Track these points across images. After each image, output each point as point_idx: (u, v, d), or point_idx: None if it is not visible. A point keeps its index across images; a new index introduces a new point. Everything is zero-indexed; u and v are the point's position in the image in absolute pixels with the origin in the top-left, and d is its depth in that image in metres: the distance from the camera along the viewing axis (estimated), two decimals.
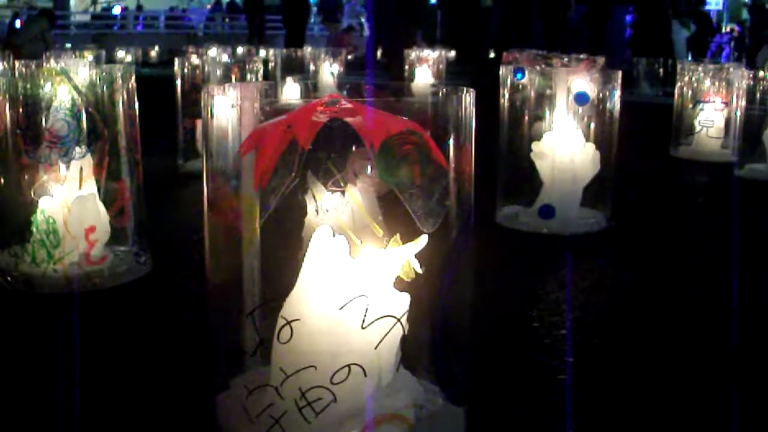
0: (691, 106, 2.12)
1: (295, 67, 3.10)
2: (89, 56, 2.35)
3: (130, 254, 1.03)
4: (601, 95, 1.28)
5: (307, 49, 3.41)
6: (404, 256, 0.55)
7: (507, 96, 1.30)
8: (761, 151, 1.80)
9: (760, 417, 0.69)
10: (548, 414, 0.68)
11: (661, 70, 3.95)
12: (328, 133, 0.55)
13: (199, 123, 1.63)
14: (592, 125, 1.28)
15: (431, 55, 3.91)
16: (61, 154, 0.95)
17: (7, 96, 0.94)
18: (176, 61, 1.73)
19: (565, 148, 1.25)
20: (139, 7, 13.59)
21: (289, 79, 2.77)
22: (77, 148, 0.96)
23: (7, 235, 0.99)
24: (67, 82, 0.95)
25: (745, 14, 11.27)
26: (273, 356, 0.55)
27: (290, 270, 0.55)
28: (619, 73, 1.31)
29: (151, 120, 1.24)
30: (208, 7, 14.78)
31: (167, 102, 1.75)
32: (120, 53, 5.47)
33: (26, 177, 0.97)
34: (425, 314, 0.58)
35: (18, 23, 8.38)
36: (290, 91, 0.68)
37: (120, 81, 0.99)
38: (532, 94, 1.28)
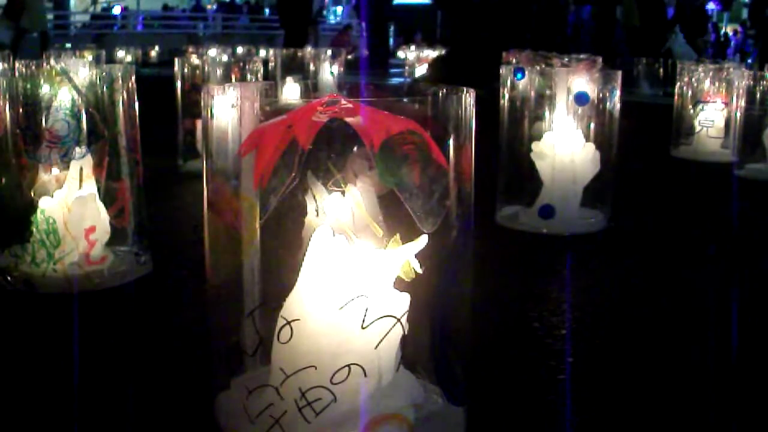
0: (691, 106, 2.12)
1: (295, 67, 3.09)
2: (89, 56, 2.35)
3: (130, 254, 1.03)
4: (601, 95, 1.28)
5: (308, 49, 3.41)
6: (404, 256, 0.55)
7: (507, 96, 1.30)
8: (761, 151, 1.80)
9: (760, 417, 0.69)
10: (548, 414, 0.68)
11: (661, 70, 3.95)
12: (328, 133, 0.55)
13: (199, 123, 1.63)
14: (592, 125, 1.28)
15: (431, 55, 3.91)
16: (61, 154, 0.95)
17: (7, 96, 0.94)
18: (176, 61, 1.73)
19: (565, 148, 1.25)
20: (165, 7, 13.53)
21: (289, 79, 2.77)
22: (77, 148, 0.96)
23: (7, 235, 0.99)
24: (67, 82, 0.95)
25: (744, 14, 11.27)
26: (273, 356, 0.55)
27: (290, 270, 0.55)
28: (619, 73, 1.31)
29: (151, 120, 1.24)
30: (209, 7, 14.76)
31: (167, 102, 1.75)
32: (120, 53, 5.47)
33: (26, 177, 0.97)
34: (425, 314, 0.58)
35: None
36: (290, 91, 0.68)
37: (120, 81, 0.99)
38: (532, 94, 1.28)
